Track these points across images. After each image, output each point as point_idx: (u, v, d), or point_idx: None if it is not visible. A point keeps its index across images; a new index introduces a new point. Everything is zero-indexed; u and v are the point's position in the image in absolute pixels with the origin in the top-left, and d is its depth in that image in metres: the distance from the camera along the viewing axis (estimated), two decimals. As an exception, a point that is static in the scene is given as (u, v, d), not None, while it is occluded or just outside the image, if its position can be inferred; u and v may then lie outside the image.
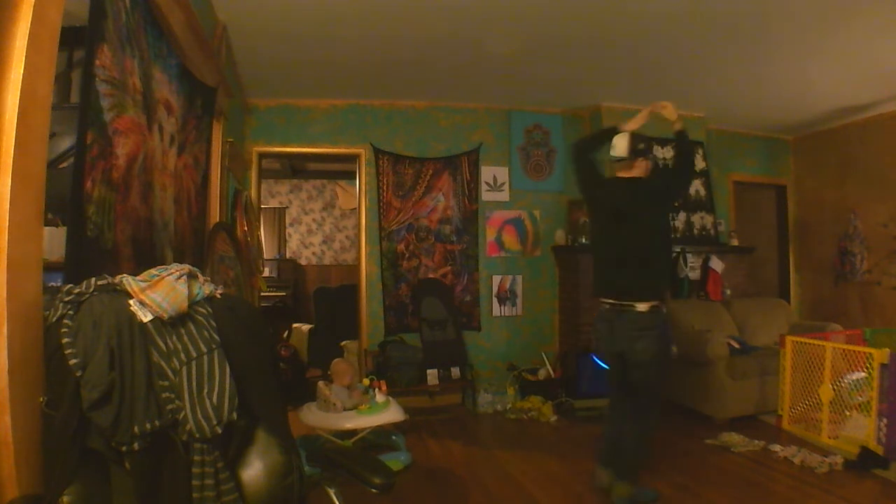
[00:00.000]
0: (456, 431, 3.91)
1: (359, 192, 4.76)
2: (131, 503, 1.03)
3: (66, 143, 1.93)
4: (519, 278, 4.90)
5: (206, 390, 1.16)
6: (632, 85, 4.42)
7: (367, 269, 4.64)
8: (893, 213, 4.87)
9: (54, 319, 1.09)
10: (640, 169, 2.72)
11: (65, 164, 1.95)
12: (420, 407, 4.31)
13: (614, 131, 2.77)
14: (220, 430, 1.13)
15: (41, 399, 1.05)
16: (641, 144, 2.74)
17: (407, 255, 4.70)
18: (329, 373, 3.49)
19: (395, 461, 3.10)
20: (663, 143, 5.01)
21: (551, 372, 4.56)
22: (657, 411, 2.62)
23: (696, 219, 5.06)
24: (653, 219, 2.65)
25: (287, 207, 7.98)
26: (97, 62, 1.47)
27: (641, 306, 2.52)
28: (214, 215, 2.89)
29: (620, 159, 2.73)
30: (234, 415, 1.17)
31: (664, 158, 5.00)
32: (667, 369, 2.62)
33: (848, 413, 3.26)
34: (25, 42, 1.08)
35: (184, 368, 1.16)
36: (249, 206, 3.82)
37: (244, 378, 1.23)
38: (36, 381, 1.07)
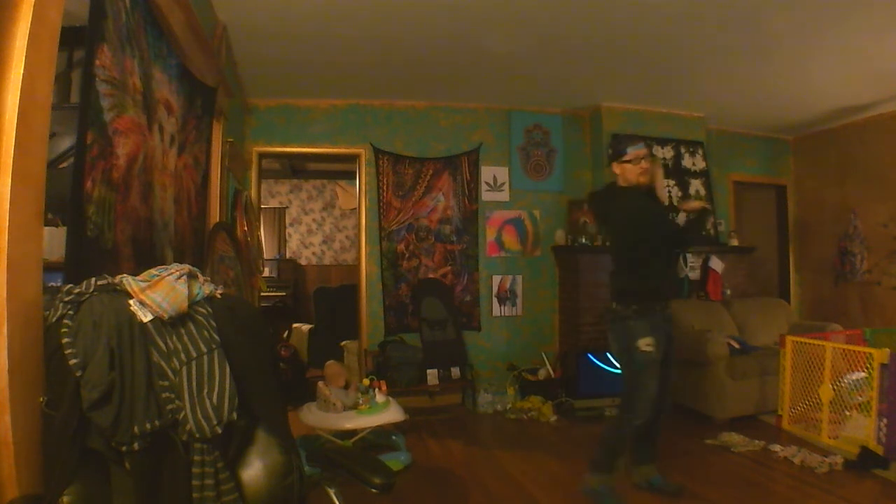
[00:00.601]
0: (456, 431, 3.91)
1: (359, 192, 4.76)
2: (131, 503, 1.03)
3: (66, 143, 1.93)
4: (519, 278, 4.90)
5: (206, 390, 1.16)
6: (632, 85, 4.43)
7: (367, 269, 4.64)
8: (893, 213, 4.86)
9: (54, 319, 1.09)
10: (618, 177, 2.71)
11: (65, 164, 1.95)
12: (420, 407, 4.31)
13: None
14: (220, 430, 1.13)
15: (41, 399, 1.05)
16: (610, 150, 2.76)
17: (407, 255, 4.70)
18: (321, 375, 3.49)
19: (395, 461, 3.10)
20: (662, 143, 5.02)
21: (551, 372, 4.56)
22: (629, 413, 2.55)
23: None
24: (614, 227, 2.77)
25: (287, 207, 7.98)
26: (97, 62, 1.47)
27: (613, 304, 2.67)
28: (214, 215, 2.89)
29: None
30: (234, 415, 1.17)
31: (664, 158, 5.00)
32: (633, 371, 2.55)
33: (848, 413, 3.26)
34: (25, 42, 1.08)
35: (184, 368, 1.16)
36: (249, 206, 3.83)
37: (244, 378, 1.24)
38: (36, 381, 1.07)
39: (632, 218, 2.62)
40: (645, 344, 2.49)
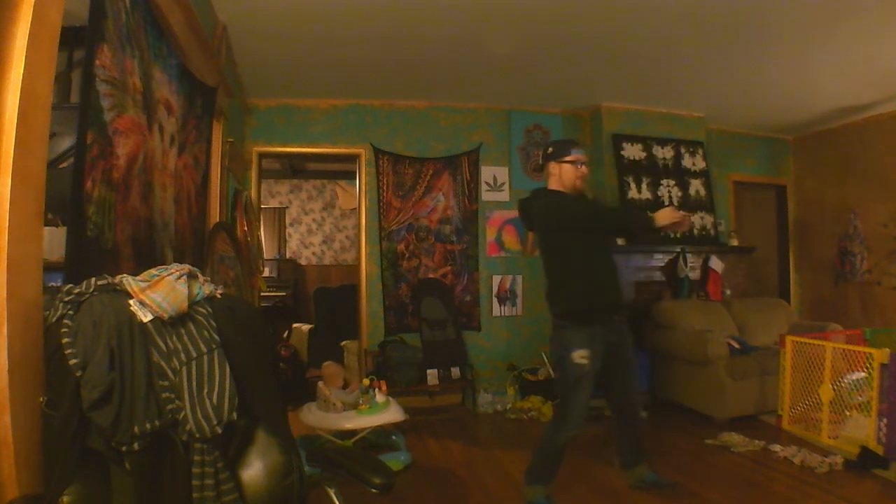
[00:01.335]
0: (456, 431, 3.91)
1: (359, 192, 4.76)
2: (131, 503, 1.03)
3: (66, 143, 1.93)
4: (519, 278, 4.90)
5: (206, 390, 1.16)
6: (632, 85, 4.43)
7: (367, 269, 4.64)
8: (893, 213, 4.87)
9: (54, 319, 1.09)
10: (551, 177, 2.60)
11: (65, 164, 1.95)
12: (420, 407, 4.31)
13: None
14: (220, 430, 1.13)
15: (41, 399, 1.05)
16: (550, 148, 2.63)
17: (407, 255, 4.70)
18: (320, 375, 3.48)
19: (395, 461, 3.10)
20: (662, 143, 5.02)
21: (551, 372, 4.55)
22: (560, 420, 2.50)
23: (696, 219, 5.06)
24: (544, 236, 2.65)
25: (287, 207, 7.98)
26: (97, 62, 1.47)
27: (552, 315, 2.62)
28: (214, 215, 2.89)
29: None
30: (234, 415, 1.17)
31: (664, 158, 5.00)
32: (566, 383, 2.48)
33: (848, 413, 3.26)
34: (25, 42, 1.08)
35: (184, 368, 1.16)
36: (249, 206, 3.82)
37: (244, 378, 1.23)
38: (36, 381, 1.07)
39: (571, 217, 2.52)
40: (579, 356, 2.41)
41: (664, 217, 2.37)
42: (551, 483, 2.55)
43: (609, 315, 2.53)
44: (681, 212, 2.38)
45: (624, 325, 2.61)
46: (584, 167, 2.58)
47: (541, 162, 2.71)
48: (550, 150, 2.62)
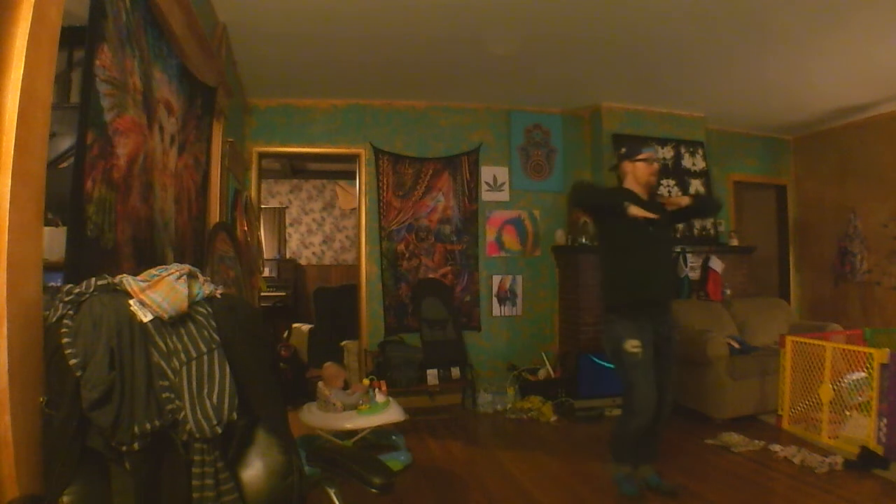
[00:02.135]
0: (456, 431, 3.91)
1: (359, 192, 4.76)
2: (131, 503, 1.03)
3: (66, 143, 1.92)
4: (519, 278, 4.90)
5: (206, 390, 1.16)
6: (632, 85, 4.43)
7: (367, 269, 4.64)
8: (893, 213, 4.86)
9: (54, 319, 1.09)
10: (627, 176, 2.75)
11: (65, 164, 1.95)
12: (420, 407, 4.31)
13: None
14: (220, 430, 1.13)
15: (41, 399, 1.05)
16: (624, 149, 2.80)
17: (407, 255, 4.70)
18: (320, 375, 3.48)
19: (395, 461, 3.10)
20: (662, 143, 5.02)
21: (551, 372, 4.56)
22: (627, 409, 2.64)
23: (696, 219, 5.06)
24: (597, 229, 2.86)
25: (287, 207, 7.98)
26: (97, 62, 1.47)
27: (605, 308, 2.78)
28: (214, 215, 2.89)
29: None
30: (234, 415, 1.17)
31: (664, 158, 5.00)
32: (623, 373, 2.60)
33: (848, 413, 3.26)
34: (25, 42, 1.08)
35: (184, 368, 1.16)
36: (249, 206, 3.83)
37: (244, 378, 1.24)
38: (36, 381, 1.07)
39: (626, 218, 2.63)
40: (631, 346, 2.53)
41: (635, 210, 2.54)
42: (634, 463, 2.67)
43: (653, 309, 2.63)
44: (649, 213, 2.54)
45: (671, 322, 2.71)
46: (655, 164, 2.72)
47: (615, 162, 2.84)
48: (624, 150, 2.80)
